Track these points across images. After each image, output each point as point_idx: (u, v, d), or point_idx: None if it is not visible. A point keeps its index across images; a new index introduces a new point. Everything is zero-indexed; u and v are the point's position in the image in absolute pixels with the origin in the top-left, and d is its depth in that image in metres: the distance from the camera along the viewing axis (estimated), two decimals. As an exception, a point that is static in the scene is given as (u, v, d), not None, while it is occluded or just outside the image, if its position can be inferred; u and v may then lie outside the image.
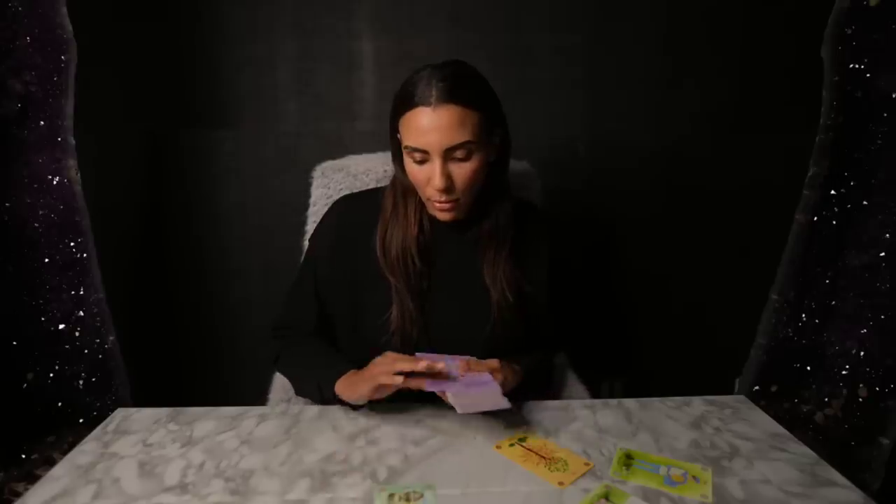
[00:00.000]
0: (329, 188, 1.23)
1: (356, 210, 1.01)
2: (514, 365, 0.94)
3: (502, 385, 0.86)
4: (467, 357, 0.90)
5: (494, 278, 0.96)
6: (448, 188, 0.87)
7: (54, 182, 1.28)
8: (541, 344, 1.08)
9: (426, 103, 0.84)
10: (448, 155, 0.86)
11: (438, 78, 0.84)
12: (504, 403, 0.81)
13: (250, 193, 1.69)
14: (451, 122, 0.83)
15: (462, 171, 0.87)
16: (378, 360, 0.86)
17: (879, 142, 1.36)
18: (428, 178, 0.88)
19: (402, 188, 0.96)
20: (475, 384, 0.84)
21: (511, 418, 0.89)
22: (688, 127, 1.69)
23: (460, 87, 0.84)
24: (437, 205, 0.90)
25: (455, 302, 0.97)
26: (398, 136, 0.91)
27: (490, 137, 0.91)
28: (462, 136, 0.84)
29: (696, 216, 1.74)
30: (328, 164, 1.27)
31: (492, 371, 0.87)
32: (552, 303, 1.06)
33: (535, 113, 1.65)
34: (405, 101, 0.87)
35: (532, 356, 1.04)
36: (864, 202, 1.39)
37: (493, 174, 0.95)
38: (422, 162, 0.88)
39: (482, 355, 0.92)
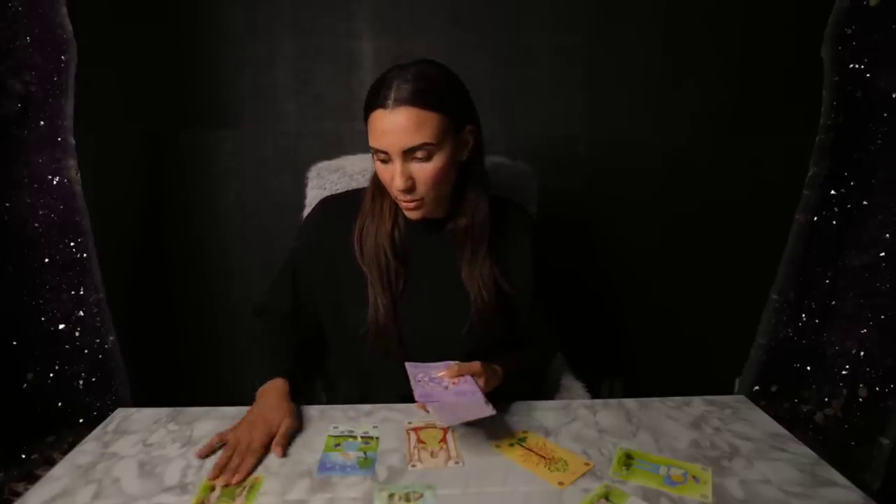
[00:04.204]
0: (325, 189, 1.22)
1: (338, 208, 1.03)
2: (494, 366, 0.94)
3: (485, 388, 0.87)
4: (451, 363, 0.90)
5: (471, 277, 0.97)
6: (409, 188, 0.89)
7: (54, 182, 1.28)
8: (528, 343, 1.07)
9: (384, 105, 0.85)
10: (408, 156, 0.87)
11: (401, 80, 0.85)
12: (488, 411, 0.80)
13: (250, 193, 1.69)
14: (407, 125, 0.84)
15: (423, 171, 0.88)
16: (238, 435, 0.81)
17: (879, 142, 1.36)
18: (392, 176, 0.89)
19: (380, 184, 0.97)
20: (460, 394, 0.84)
21: (511, 418, 0.90)
22: (688, 127, 1.69)
23: (419, 90, 0.85)
24: (403, 203, 0.92)
25: (431, 299, 0.98)
26: None
27: (457, 137, 0.91)
28: (419, 139, 0.85)
29: (696, 216, 1.74)
30: (323, 164, 1.26)
31: (474, 374, 0.88)
32: (539, 302, 1.05)
33: (535, 113, 1.65)
34: (368, 102, 0.88)
35: (519, 356, 1.03)
36: (864, 202, 1.39)
37: (468, 172, 0.96)
38: (385, 161, 0.89)
39: (459, 354, 0.92)
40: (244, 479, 0.74)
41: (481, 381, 0.87)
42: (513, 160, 1.29)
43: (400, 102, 0.84)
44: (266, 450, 0.80)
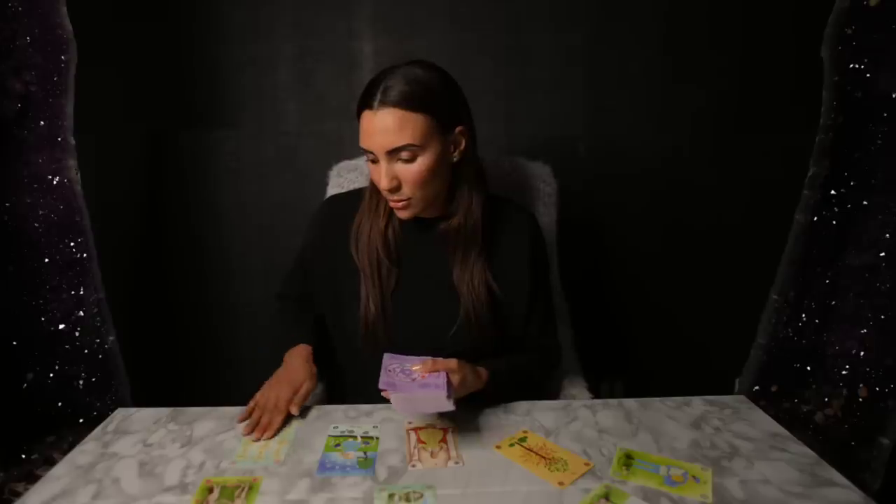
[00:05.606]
0: (343, 188, 1.25)
1: (341, 206, 1.05)
2: (478, 368, 0.92)
3: (460, 386, 0.85)
4: (426, 358, 0.88)
5: (462, 278, 0.97)
6: (394, 188, 0.90)
7: (54, 182, 1.28)
8: (525, 346, 1.06)
9: (370, 106, 0.87)
10: (393, 156, 0.88)
11: (388, 81, 0.86)
12: (447, 406, 0.79)
13: (250, 193, 1.70)
14: (391, 126, 0.85)
15: (408, 172, 0.89)
16: (267, 395, 0.91)
17: (879, 142, 1.36)
18: (379, 176, 0.90)
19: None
20: (424, 386, 0.82)
21: (511, 418, 0.90)
22: (688, 127, 1.69)
23: (404, 92, 0.86)
24: (392, 203, 0.93)
25: (421, 299, 0.98)
26: None
27: (446, 138, 0.91)
28: (402, 140, 0.86)
29: (697, 216, 1.74)
30: (343, 164, 1.29)
31: (450, 371, 0.85)
32: (536, 305, 1.04)
33: (535, 113, 1.65)
34: (359, 103, 0.90)
35: (513, 359, 1.02)
36: (864, 202, 1.39)
37: (461, 172, 0.96)
38: (374, 161, 0.90)
39: (448, 356, 0.91)
40: (274, 436, 0.84)
41: (455, 378, 0.85)
42: (532, 160, 1.29)
43: (385, 104, 0.85)
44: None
